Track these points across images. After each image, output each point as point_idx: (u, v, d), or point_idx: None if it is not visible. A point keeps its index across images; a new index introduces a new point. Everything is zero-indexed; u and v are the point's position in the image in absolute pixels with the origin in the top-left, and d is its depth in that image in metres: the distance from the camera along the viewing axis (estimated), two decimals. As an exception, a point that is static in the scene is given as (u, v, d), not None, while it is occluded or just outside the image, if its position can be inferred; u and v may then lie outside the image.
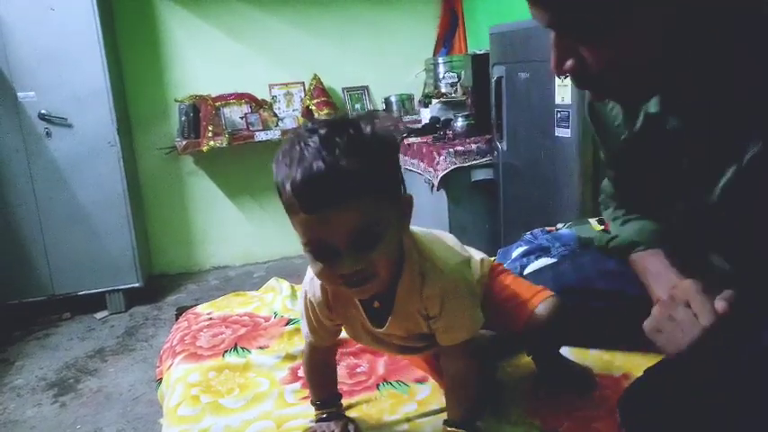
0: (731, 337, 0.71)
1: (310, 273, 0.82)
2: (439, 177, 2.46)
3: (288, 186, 0.67)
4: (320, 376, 0.94)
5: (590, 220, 1.74)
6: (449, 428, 0.85)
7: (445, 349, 0.85)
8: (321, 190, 0.65)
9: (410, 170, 2.74)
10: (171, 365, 1.20)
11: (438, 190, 2.50)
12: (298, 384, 1.07)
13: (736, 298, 0.72)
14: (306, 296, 0.86)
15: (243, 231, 3.42)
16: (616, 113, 0.86)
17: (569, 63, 0.65)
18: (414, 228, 0.81)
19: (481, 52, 2.68)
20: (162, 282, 3.14)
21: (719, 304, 0.71)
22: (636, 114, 0.81)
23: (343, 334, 0.93)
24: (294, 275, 1.46)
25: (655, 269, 0.88)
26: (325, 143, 0.66)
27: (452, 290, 0.80)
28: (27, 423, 1.90)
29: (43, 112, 2.61)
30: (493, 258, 1.04)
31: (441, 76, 3.17)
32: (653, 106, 0.77)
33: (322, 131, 0.68)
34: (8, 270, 2.65)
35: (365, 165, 0.67)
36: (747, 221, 0.73)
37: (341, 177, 0.65)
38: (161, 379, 1.24)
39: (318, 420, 0.91)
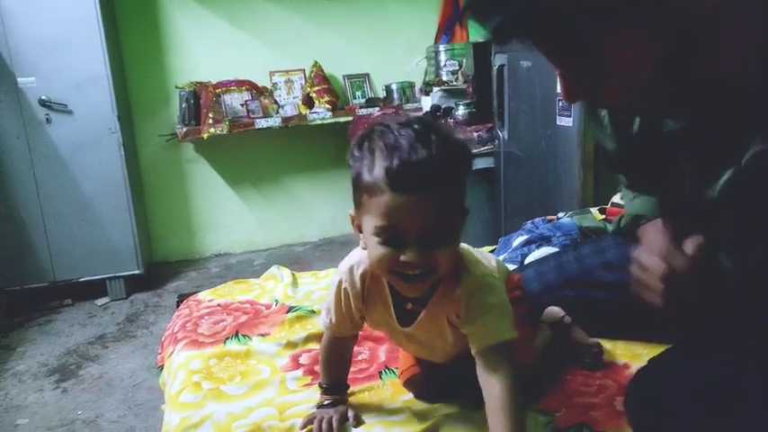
0: (706, 279, 0.77)
1: (349, 262, 0.86)
2: (440, 166, 2.45)
3: (378, 168, 0.71)
4: (335, 364, 0.94)
5: (591, 209, 1.74)
6: None
7: (478, 358, 0.80)
8: (417, 172, 0.69)
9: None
10: (172, 352, 1.21)
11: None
12: (299, 372, 1.07)
13: (704, 242, 0.78)
14: (340, 285, 0.87)
15: (243, 219, 3.42)
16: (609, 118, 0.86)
17: (579, 91, 0.65)
18: None
19: (482, 40, 2.66)
20: (163, 269, 3.15)
21: (688, 246, 0.78)
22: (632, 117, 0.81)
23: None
24: (294, 263, 1.47)
25: (648, 238, 0.88)
26: (421, 137, 0.71)
27: (482, 291, 0.81)
28: (29, 408, 1.92)
29: (43, 98, 2.60)
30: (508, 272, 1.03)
31: (442, 64, 3.16)
32: None
33: (417, 126, 0.72)
34: (9, 256, 2.66)
35: (454, 163, 0.73)
36: (747, 220, 0.72)
37: (436, 166, 0.70)
38: (162, 366, 1.24)
39: (320, 407, 0.92)
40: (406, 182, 0.70)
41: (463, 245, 0.85)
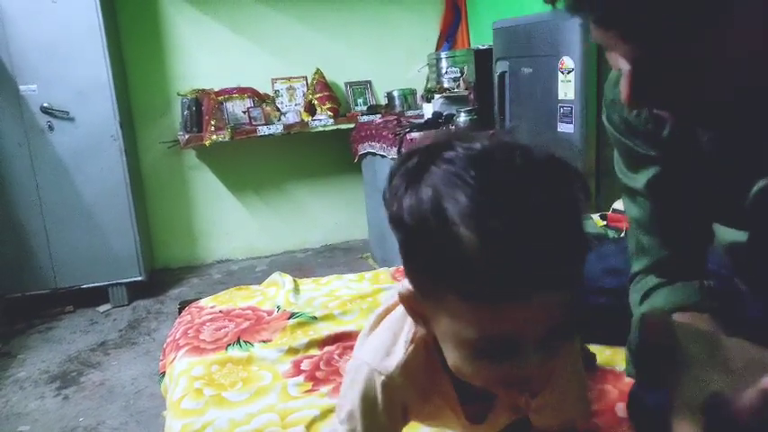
0: None
1: (379, 349, 0.62)
2: (441, 172, 2.45)
3: (471, 239, 0.42)
4: None
5: (592, 215, 1.74)
6: None
7: None
8: (550, 262, 0.43)
9: (412, 165, 2.74)
10: (174, 359, 1.20)
11: (440, 185, 2.49)
12: (301, 378, 1.07)
13: None
14: (373, 382, 0.60)
15: (245, 225, 3.42)
16: (643, 118, 0.75)
17: (649, 91, 0.54)
18: None
19: (484, 47, 2.67)
20: (164, 275, 3.15)
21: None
22: (662, 124, 0.71)
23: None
24: (296, 269, 1.47)
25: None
26: (537, 184, 0.44)
27: (564, 362, 0.62)
28: (30, 416, 1.91)
29: (45, 105, 2.61)
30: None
31: (443, 71, 3.16)
32: None
33: (517, 160, 0.45)
34: (11, 263, 2.66)
35: (576, 219, 0.46)
36: None
37: (560, 239, 0.44)
38: (164, 372, 1.24)
39: None
40: (530, 282, 0.43)
41: None
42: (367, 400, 0.61)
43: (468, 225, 0.42)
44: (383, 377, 0.60)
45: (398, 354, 0.60)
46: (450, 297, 0.46)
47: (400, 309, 0.61)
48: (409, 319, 0.58)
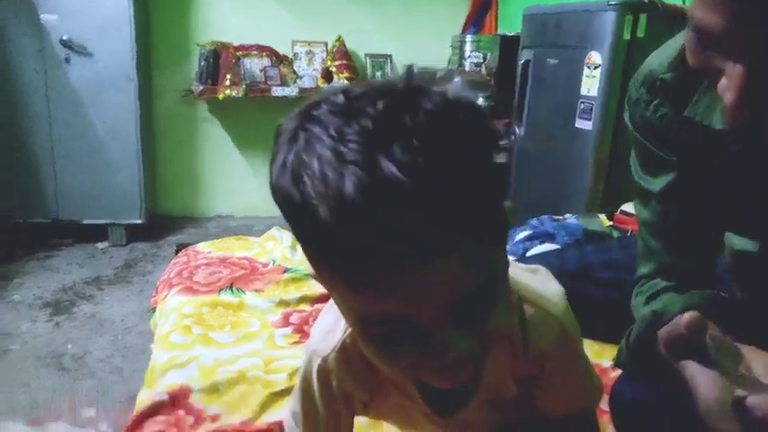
0: None
1: (322, 328, 0.56)
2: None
3: (325, 213, 0.36)
4: None
5: (599, 215, 1.74)
6: None
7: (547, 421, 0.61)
8: (400, 232, 0.35)
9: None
10: (166, 296, 1.22)
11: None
12: (288, 329, 1.09)
13: None
14: (313, 364, 0.55)
15: (249, 184, 3.42)
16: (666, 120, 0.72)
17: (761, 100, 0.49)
18: None
19: (511, 35, 2.64)
20: (164, 222, 3.16)
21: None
22: (693, 129, 0.67)
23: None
24: (295, 232, 1.50)
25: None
26: (394, 131, 0.36)
27: (564, 342, 0.56)
28: (21, 337, 1.94)
29: (65, 38, 2.59)
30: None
31: (466, 54, 3.13)
32: (717, 122, 0.63)
33: (380, 104, 0.37)
34: (16, 189, 2.68)
35: (464, 171, 0.37)
36: None
37: (432, 199, 0.35)
38: (155, 308, 1.26)
39: None
40: (398, 258, 0.36)
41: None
42: (304, 383, 0.57)
43: (321, 198, 0.36)
44: (319, 360, 0.54)
45: (336, 336, 0.53)
46: (333, 277, 0.40)
47: None
48: None
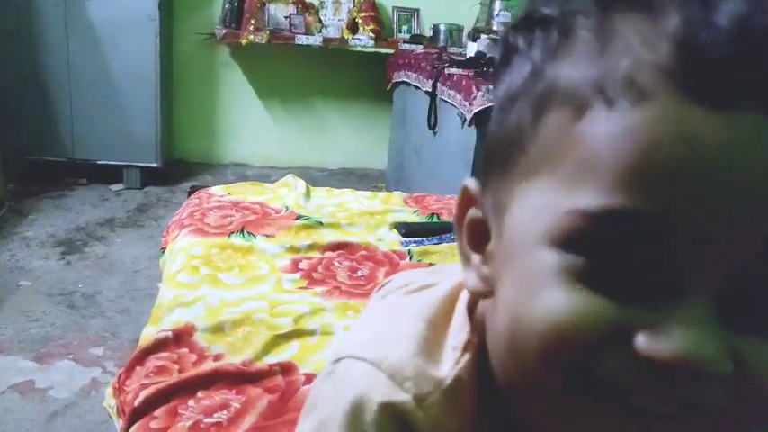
0: None
1: (408, 342, 0.36)
2: (473, 112, 2.38)
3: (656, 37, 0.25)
4: None
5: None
6: None
7: None
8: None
9: (445, 101, 2.66)
10: (177, 236, 1.21)
11: (470, 125, 2.42)
12: (297, 275, 1.07)
13: None
14: (376, 393, 0.34)
15: (267, 133, 3.39)
16: None
17: None
18: None
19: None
20: (180, 167, 3.15)
21: None
22: None
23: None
24: (310, 185, 1.47)
25: None
26: None
27: None
28: (33, 273, 1.96)
29: (86, -29, 2.53)
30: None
31: (495, 12, 3.03)
32: None
33: None
34: (33, 125, 2.66)
35: None
36: None
37: None
38: (165, 248, 1.25)
39: None
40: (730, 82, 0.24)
41: None
42: (354, 423, 0.34)
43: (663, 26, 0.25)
44: (406, 394, 0.33)
45: (447, 363, 0.35)
46: (550, 128, 0.27)
47: (437, 293, 0.39)
48: (459, 315, 0.37)
